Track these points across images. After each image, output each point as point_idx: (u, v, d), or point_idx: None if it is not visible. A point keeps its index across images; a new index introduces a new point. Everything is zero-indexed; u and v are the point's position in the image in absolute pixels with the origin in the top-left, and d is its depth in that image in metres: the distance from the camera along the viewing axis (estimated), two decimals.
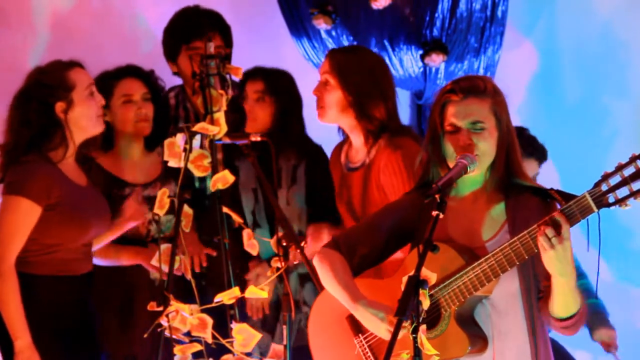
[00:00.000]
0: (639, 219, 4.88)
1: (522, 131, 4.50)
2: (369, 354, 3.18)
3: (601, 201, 2.78)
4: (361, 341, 3.20)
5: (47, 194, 3.72)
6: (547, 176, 4.56)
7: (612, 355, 4.56)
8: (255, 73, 4.35)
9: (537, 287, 3.00)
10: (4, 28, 4.98)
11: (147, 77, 4.24)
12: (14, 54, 4.90)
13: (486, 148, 2.98)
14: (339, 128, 4.01)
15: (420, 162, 3.12)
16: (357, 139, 3.90)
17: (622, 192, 2.75)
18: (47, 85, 3.77)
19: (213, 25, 4.44)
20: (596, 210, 2.80)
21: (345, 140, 4.01)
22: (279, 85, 4.32)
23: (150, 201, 4.16)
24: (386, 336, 3.01)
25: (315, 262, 3.18)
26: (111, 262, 4.10)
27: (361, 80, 3.83)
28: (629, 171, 2.75)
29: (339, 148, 4.05)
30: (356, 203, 3.89)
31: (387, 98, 3.85)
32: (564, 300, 2.90)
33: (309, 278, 4.19)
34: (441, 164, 3.03)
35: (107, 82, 4.11)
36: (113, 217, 3.97)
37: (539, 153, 4.56)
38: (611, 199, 2.77)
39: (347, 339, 3.22)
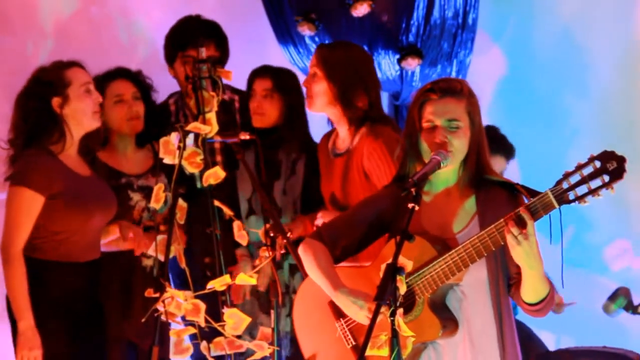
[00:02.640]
0: (594, 211, 4.91)
1: (494, 130, 4.53)
2: (349, 336, 3.19)
3: (562, 198, 2.80)
4: (342, 325, 3.21)
5: (49, 184, 3.72)
6: (510, 172, 4.58)
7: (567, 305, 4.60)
8: (264, 71, 4.37)
9: (505, 275, 3.02)
10: (9, 34, 4.96)
11: (136, 77, 4.24)
12: (19, 59, 4.87)
13: (460, 146, 2.99)
14: (328, 119, 4.03)
15: (397, 157, 3.12)
16: (343, 128, 3.91)
17: (582, 189, 2.78)
18: (45, 82, 3.79)
19: (209, 35, 4.44)
20: (557, 206, 2.81)
21: (334, 130, 4.03)
22: (286, 83, 4.35)
23: (143, 190, 4.18)
24: (364, 322, 3.02)
25: (300, 251, 3.19)
26: (114, 247, 4.09)
27: (345, 73, 3.84)
28: (587, 170, 2.77)
29: (327, 136, 4.06)
30: (337, 186, 3.91)
31: (369, 89, 3.86)
32: (533, 288, 2.93)
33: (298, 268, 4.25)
34: (418, 158, 3.04)
35: (98, 85, 4.08)
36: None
37: (507, 151, 4.58)
38: (571, 196, 2.79)
39: (329, 322, 3.23)
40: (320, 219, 3.96)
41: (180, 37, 4.47)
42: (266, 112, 4.32)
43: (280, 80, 4.34)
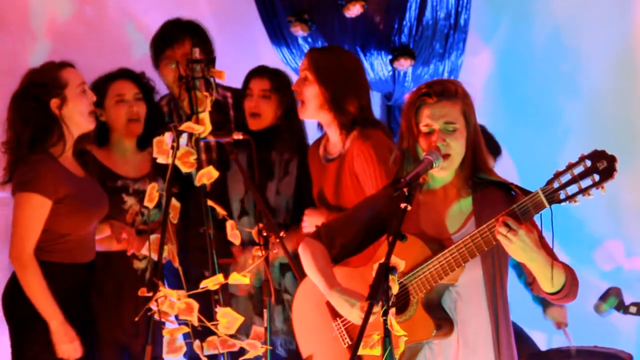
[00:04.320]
0: (588, 210, 4.92)
1: (481, 129, 4.52)
2: (346, 336, 3.22)
3: (552, 197, 2.81)
4: (338, 324, 3.23)
5: (55, 189, 3.76)
6: (505, 171, 4.57)
7: (562, 331, 4.60)
8: (261, 72, 4.35)
9: (501, 275, 3.03)
10: (4, 33, 4.96)
11: (138, 79, 4.25)
12: (13, 59, 4.88)
13: (457, 147, 3.00)
14: (318, 124, 4.03)
15: (394, 160, 3.12)
16: (334, 133, 3.93)
17: (572, 189, 2.78)
18: (42, 84, 3.80)
19: (183, 31, 4.44)
20: (548, 205, 2.82)
21: (324, 135, 4.04)
22: (283, 83, 4.33)
23: (138, 194, 4.19)
24: (357, 321, 3.04)
25: (300, 250, 3.21)
26: (105, 247, 4.11)
27: (336, 77, 3.86)
28: (578, 170, 2.77)
29: (317, 143, 4.08)
30: (330, 190, 3.92)
31: (360, 94, 3.88)
32: (546, 277, 2.90)
33: (289, 268, 4.23)
34: (416, 161, 3.03)
35: (101, 84, 4.13)
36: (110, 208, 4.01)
37: (494, 149, 4.57)
38: (562, 195, 2.79)
39: (327, 321, 3.25)
40: (307, 217, 3.97)
41: (157, 43, 4.49)
42: (263, 113, 4.30)
43: (278, 81, 4.32)
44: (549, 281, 2.90)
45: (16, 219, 3.76)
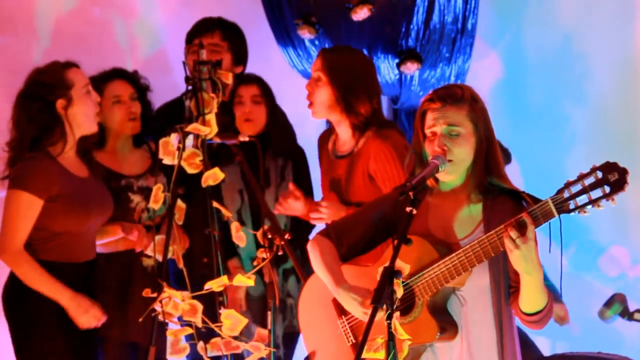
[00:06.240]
0: (594, 216, 4.91)
1: None
2: (350, 334, 3.22)
3: (562, 207, 2.80)
4: (344, 322, 3.23)
5: (47, 187, 3.74)
6: (511, 177, 4.58)
7: (567, 326, 4.60)
8: (249, 79, 4.38)
9: (507, 283, 3.01)
10: (11, 34, 4.98)
11: (133, 78, 4.25)
12: (19, 59, 4.89)
13: (460, 153, 2.98)
14: (328, 122, 4.03)
15: (408, 165, 3.13)
16: (345, 132, 3.93)
17: (582, 199, 2.78)
18: (48, 85, 3.79)
19: (216, 25, 4.47)
20: (557, 215, 2.81)
21: (333, 129, 4.04)
22: (268, 90, 4.36)
23: (143, 192, 4.19)
24: (363, 318, 3.05)
25: (309, 247, 3.21)
26: (111, 248, 4.11)
27: (349, 78, 3.87)
28: (589, 180, 2.77)
29: (327, 136, 4.08)
30: (340, 188, 3.92)
31: (372, 95, 3.89)
32: (531, 296, 2.90)
33: (292, 272, 4.26)
34: (423, 167, 3.01)
35: (96, 85, 4.08)
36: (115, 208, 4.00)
37: (502, 155, 4.59)
38: (572, 205, 2.79)
39: (332, 319, 3.26)
40: (327, 209, 3.91)
41: (188, 33, 4.53)
42: (256, 118, 4.32)
43: (264, 87, 4.35)
44: (532, 300, 2.91)
45: (5, 216, 3.76)
